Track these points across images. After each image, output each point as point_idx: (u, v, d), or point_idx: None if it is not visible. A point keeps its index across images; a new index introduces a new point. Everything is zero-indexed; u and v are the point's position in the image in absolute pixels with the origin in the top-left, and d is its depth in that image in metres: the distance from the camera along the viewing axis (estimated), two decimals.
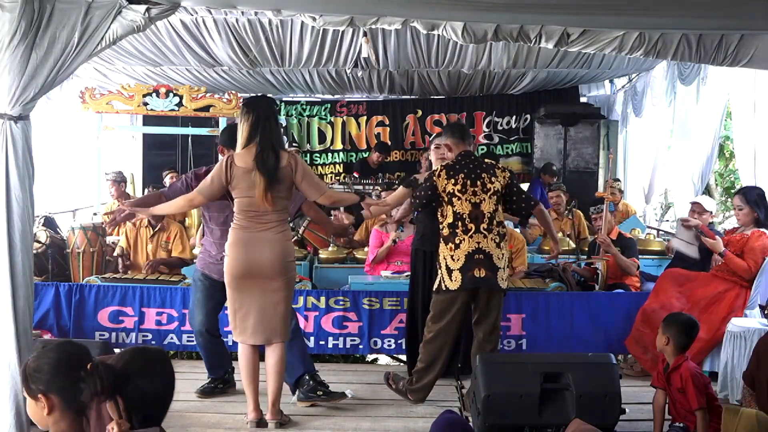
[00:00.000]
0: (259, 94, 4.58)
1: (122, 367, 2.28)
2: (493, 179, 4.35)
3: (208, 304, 4.62)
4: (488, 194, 4.32)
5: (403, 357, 5.64)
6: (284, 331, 4.11)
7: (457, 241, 4.28)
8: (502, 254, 4.32)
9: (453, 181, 4.33)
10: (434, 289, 4.41)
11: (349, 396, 4.66)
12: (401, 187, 4.69)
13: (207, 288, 4.59)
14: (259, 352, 4.20)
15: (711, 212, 5.76)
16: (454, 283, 4.28)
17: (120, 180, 7.70)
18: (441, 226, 4.38)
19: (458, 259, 4.28)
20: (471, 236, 4.27)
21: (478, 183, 4.33)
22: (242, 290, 4.05)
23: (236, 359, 4.34)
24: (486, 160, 4.48)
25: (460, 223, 4.30)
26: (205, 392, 4.69)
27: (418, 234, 5.04)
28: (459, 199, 4.31)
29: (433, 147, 5.06)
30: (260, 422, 4.10)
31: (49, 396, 2.19)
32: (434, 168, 4.53)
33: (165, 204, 4.38)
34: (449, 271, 4.30)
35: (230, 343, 5.07)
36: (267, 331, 4.07)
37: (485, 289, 4.30)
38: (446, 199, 4.34)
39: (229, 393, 4.75)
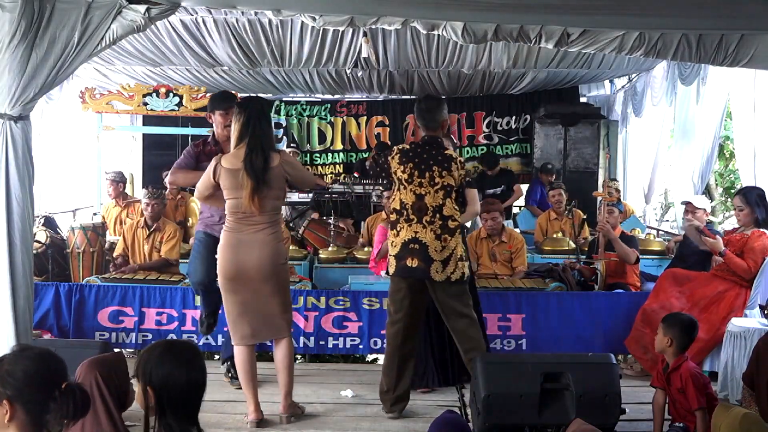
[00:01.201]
0: (253, 95, 4.61)
1: (155, 360, 2.31)
2: (444, 173, 4.17)
3: (208, 257, 4.62)
4: (434, 188, 4.16)
5: None
6: (286, 326, 4.13)
7: (398, 228, 4.20)
8: (444, 246, 4.14)
9: (402, 168, 4.20)
10: None
11: (349, 396, 4.68)
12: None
13: (207, 244, 4.60)
14: (256, 352, 4.23)
15: (704, 209, 5.75)
16: (392, 268, 4.24)
17: (119, 180, 7.69)
18: (388, 209, 4.29)
19: (395, 246, 4.20)
20: (410, 225, 4.17)
21: (426, 175, 4.16)
22: (235, 292, 4.04)
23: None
24: (446, 152, 4.24)
25: (404, 212, 4.19)
26: (209, 326, 4.88)
27: None
28: (405, 188, 4.20)
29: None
30: (261, 423, 4.09)
31: (13, 404, 2.04)
32: (393, 148, 4.36)
33: (185, 174, 4.52)
34: (390, 257, 4.26)
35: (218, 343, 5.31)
36: (269, 329, 4.08)
37: (428, 280, 4.17)
38: (397, 183, 4.24)
39: (230, 387, 4.85)
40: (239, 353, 4.13)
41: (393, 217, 4.26)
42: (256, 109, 4.03)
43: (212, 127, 4.81)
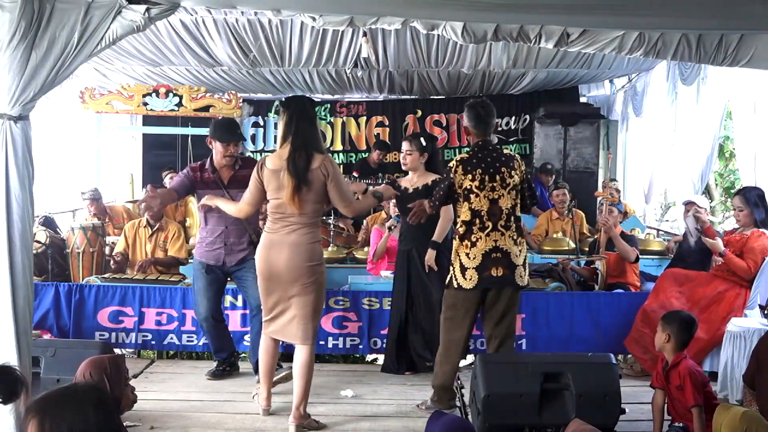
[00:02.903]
0: (297, 94, 4.62)
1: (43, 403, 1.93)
2: (512, 173, 4.17)
3: (209, 290, 4.85)
4: (507, 189, 4.15)
5: None
6: (305, 335, 4.01)
7: (474, 239, 4.13)
8: (520, 251, 4.18)
9: (470, 176, 4.14)
10: (446, 284, 4.32)
11: (349, 396, 4.68)
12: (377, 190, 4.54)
13: (206, 276, 4.83)
14: (279, 349, 4.32)
15: (704, 209, 5.76)
16: (468, 282, 4.15)
17: (97, 197, 7.48)
18: (456, 223, 4.27)
19: (474, 258, 4.13)
20: (488, 234, 4.11)
21: (497, 178, 4.14)
22: (268, 292, 4.06)
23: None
24: (505, 152, 4.27)
25: (477, 221, 4.13)
26: (215, 375, 5.03)
27: (400, 234, 5.15)
28: (477, 195, 4.13)
29: (403, 151, 5.02)
30: (266, 412, 4.22)
31: None
32: (450, 164, 4.30)
33: (220, 200, 4.42)
34: (463, 269, 4.15)
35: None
36: (287, 332, 4.07)
37: (506, 286, 4.18)
38: (463, 195, 4.17)
39: (234, 376, 5.07)
40: (263, 342, 4.19)
41: (462, 229, 4.18)
42: (298, 108, 4.02)
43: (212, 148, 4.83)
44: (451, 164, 4.26)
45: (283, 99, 4.33)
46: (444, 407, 4.27)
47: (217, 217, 4.71)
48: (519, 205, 4.23)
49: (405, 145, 5.02)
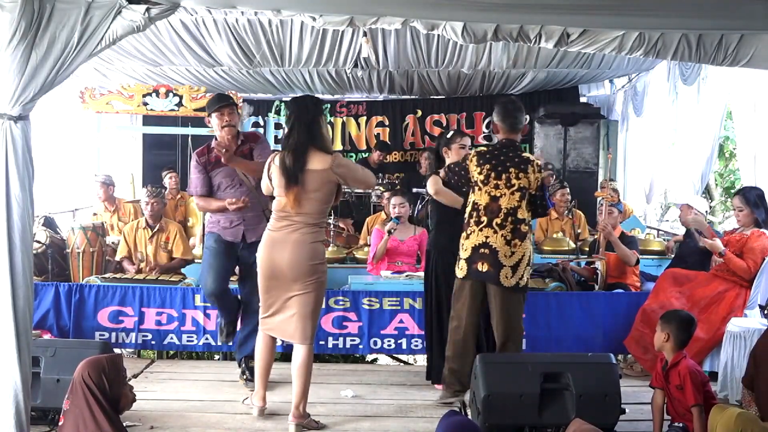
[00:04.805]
0: (303, 94, 4.63)
1: None
2: (521, 175, 4.22)
3: (218, 266, 4.76)
4: (511, 190, 4.20)
5: (403, 357, 5.66)
6: (304, 334, 4.02)
7: (469, 231, 4.26)
8: (512, 252, 4.19)
9: (479, 169, 4.25)
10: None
11: (349, 396, 4.68)
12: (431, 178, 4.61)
13: (219, 252, 4.75)
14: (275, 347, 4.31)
15: (702, 212, 5.75)
16: (461, 271, 4.31)
17: (109, 183, 7.70)
18: (464, 212, 4.33)
19: (466, 249, 4.27)
20: (481, 229, 4.21)
21: (503, 176, 4.21)
22: (269, 290, 4.07)
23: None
24: (524, 155, 4.32)
25: (475, 213, 4.24)
26: (228, 335, 4.95)
27: (433, 234, 5.02)
28: (480, 189, 4.24)
29: (458, 147, 4.82)
30: (262, 411, 4.19)
31: None
32: (469, 152, 4.40)
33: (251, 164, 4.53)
34: (459, 259, 4.32)
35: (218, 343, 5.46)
36: (285, 330, 4.07)
37: (496, 285, 4.23)
38: (474, 186, 4.27)
39: (234, 376, 4.98)
40: (259, 338, 4.18)
41: (465, 219, 4.30)
42: (297, 108, 4.07)
43: (212, 128, 4.84)
44: (470, 152, 4.39)
45: (289, 99, 4.38)
46: (450, 395, 4.42)
47: (232, 194, 4.69)
48: (523, 209, 4.24)
49: (466, 140, 4.87)
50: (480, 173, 4.24)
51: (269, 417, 4.22)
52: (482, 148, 4.35)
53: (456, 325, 4.39)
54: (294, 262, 3.96)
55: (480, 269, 4.22)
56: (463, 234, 4.30)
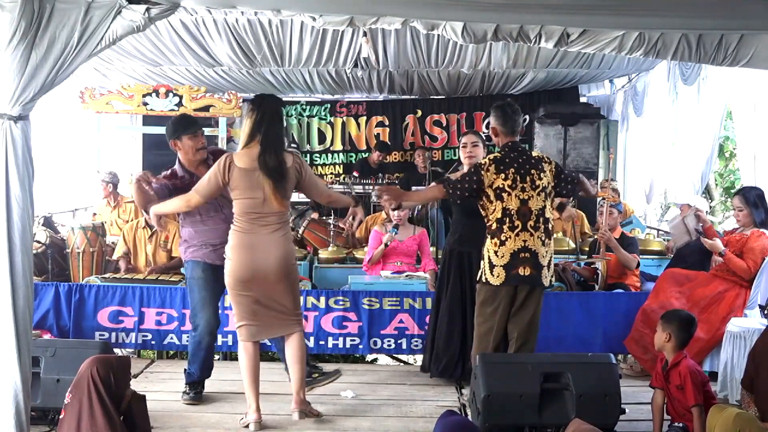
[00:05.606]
0: (266, 93, 4.55)
1: None
2: (541, 175, 4.23)
3: (214, 299, 4.47)
4: (536, 191, 4.20)
5: (403, 357, 5.66)
6: (297, 322, 4.10)
7: (503, 238, 4.17)
8: (546, 252, 4.22)
9: (503, 176, 4.19)
10: (477, 279, 4.36)
11: (349, 396, 4.67)
12: (434, 184, 4.64)
13: (209, 282, 4.40)
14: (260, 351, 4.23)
15: (702, 210, 5.76)
16: (496, 278, 4.19)
17: (114, 182, 7.75)
18: (487, 220, 4.27)
19: (502, 256, 4.17)
20: (518, 234, 4.16)
21: (528, 179, 4.20)
22: (248, 290, 3.99)
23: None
24: (534, 154, 4.34)
25: (507, 220, 4.18)
26: (196, 399, 4.55)
27: (454, 234, 5.01)
28: (509, 194, 4.18)
29: (460, 146, 4.92)
30: (260, 425, 4.04)
31: None
32: (482, 162, 4.30)
33: (161, 204, 4.25)
34: (491, 266, 4.20)
35: (219, 343, 5.31)
36: (281, 326, 4.07)
37: (534, 286, 4.22)
38: (494, 194, 4.20)
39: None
40: (246, 349, 4.06)
41: (494, 226, 4.21)
42: (270, 108, 4.01)
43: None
44: (483, 162, 4.28)
45: (254, 97, 4.21)
46: None
47: (215, 218, 4.40)
48: (548, 207, 4.27)
49: (471, 138, 4.92)
50: (505, 179, 4.18)
51: (269, 416, 4.21)
52: (495, 155, 4.31)
53: (487, 330, 4.28)
54: (282, 263, 3.98)
55: (522, 273, 4.15)
56: (494, 241, 4.20)
